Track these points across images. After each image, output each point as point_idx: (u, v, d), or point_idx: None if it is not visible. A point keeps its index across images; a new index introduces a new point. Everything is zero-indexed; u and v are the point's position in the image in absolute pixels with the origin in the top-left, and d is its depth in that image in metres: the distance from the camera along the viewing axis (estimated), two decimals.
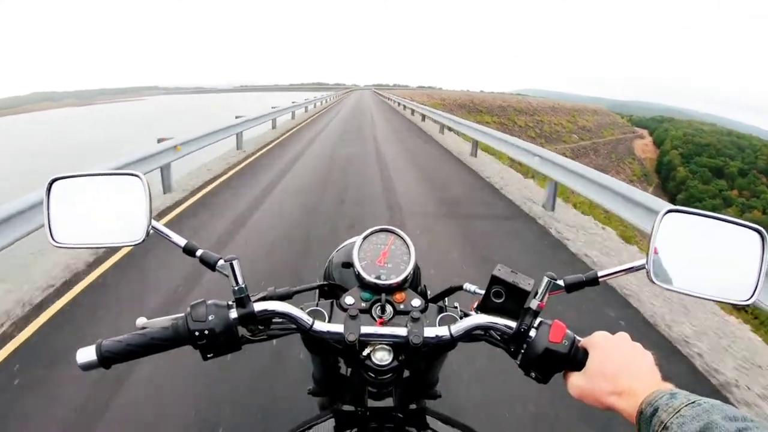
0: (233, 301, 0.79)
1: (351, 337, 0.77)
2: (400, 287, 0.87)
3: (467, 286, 0.93)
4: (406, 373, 0.91)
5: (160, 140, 7.58)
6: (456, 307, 0.90)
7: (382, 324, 0.81)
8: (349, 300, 0.86)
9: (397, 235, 0.95)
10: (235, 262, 0.80)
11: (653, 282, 0.76)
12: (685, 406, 0.55)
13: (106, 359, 0.74)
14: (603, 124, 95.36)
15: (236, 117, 11.46)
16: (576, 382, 0.70)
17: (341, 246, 1.10)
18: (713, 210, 0.92)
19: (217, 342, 0.76)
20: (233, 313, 0.78)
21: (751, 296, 0.74)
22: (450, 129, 15.74)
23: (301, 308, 0.83)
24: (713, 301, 0.80)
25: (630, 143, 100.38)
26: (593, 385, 0.67)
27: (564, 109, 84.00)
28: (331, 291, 0.97)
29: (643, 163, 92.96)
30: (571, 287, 0.80)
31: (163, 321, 0.79)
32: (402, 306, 0.85)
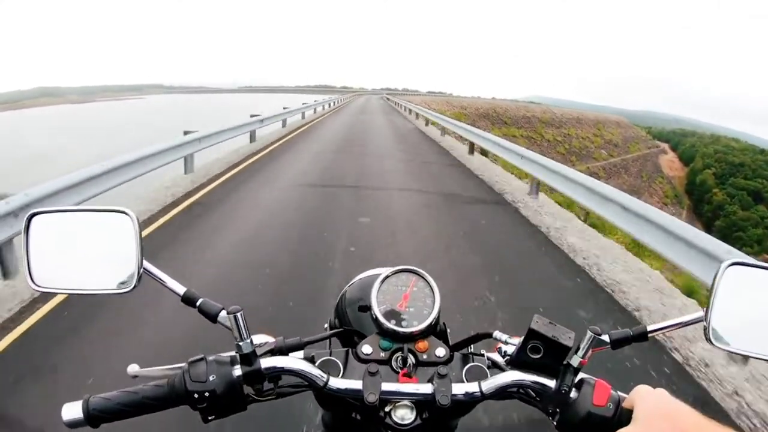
0: (237, 355, 0.72)
1: (371, 398, 0.69)
2: (423, 335, 0.80)
3: (497, 334, 0.84)
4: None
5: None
6: (482, 355, 0.81)
7: (405, 376, 0.74)
8: (366, 349, 0.79)
9: (420, 276, 0.86)
10: (239, 314, 0.72)
11: (711, 341, 0.70)
12: None
13: (93, 418, 0.68)
14: (627, 137, 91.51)
15: (184, 133, 9.01)
16: None
17: (354, 280, 1.02)
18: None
19: (220, 403, 0.70)
20: (237, 371, 0.71)
21: None
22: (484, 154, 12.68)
23: (312, 358, 0.77)
24: None
25: (656, 159, 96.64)
26: None
27: (588, 120, 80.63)
28: (346, 335, 0.90)
29: (671, 182, 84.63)
30: (616, 343, 0.73)
31: (157, 372, 0.75)
32: (425, 356, 0.78)
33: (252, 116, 13.12)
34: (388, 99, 62.46)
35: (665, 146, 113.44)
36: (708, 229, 56.34)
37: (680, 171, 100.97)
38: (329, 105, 33.08)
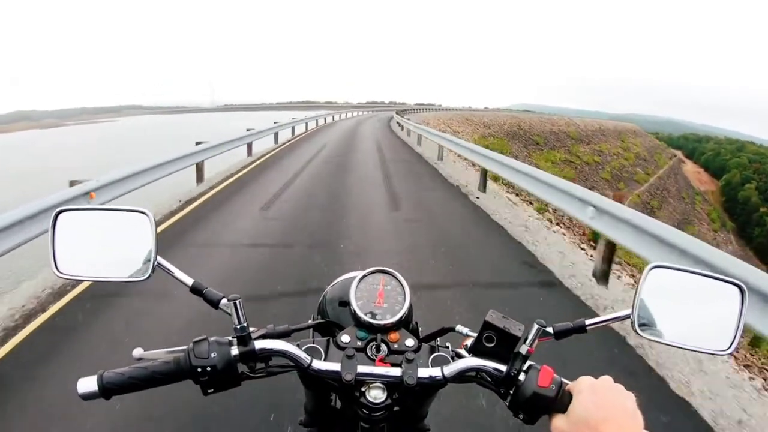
0: (234, 338, 0.82)
1: (348, 377, 0.80)
2: (394, 327, 0.89)
3: (459, 328, 0.96)
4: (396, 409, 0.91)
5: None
6: (447, 347, 0.91)
7: (380, 362, 0.84)
8: (345, 338, 0.87)
9: (393, 276, 0.97)
10: (238, 302, 0.83)
11: (637, 333, 0.80)
12: None
13: (107, 390, 0.77)
14: (650, 148, 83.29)
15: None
16: (559, 425, 0.73)
17: (335, 282, 1.13)
18: None
19: (218, 378, 0.79)
20: (234, 351, 0.81)
21: (730, 346, 0.80)
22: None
23: (298, 345, 0.85)
24: (694, 351, 0.83)
25: (681, 171, 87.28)
26: (576, 431, 0.69)
27: (610, 132, 73.10)
28: (326, 328, 1.00)
29: (706, 198, 71.90)
30: (559, 334, 0.84)
31: (160, 354, 0.83)
32: (396, 345, 0.87)
33: (197, 143, 9.71)
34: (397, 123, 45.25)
35: (679, 154, 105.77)
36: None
37: (710, 184, 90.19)
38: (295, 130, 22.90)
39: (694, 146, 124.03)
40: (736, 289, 0.81)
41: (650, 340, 0.81)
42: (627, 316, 0.82)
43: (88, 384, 0.76)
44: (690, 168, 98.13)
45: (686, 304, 0.84)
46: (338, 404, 1.09)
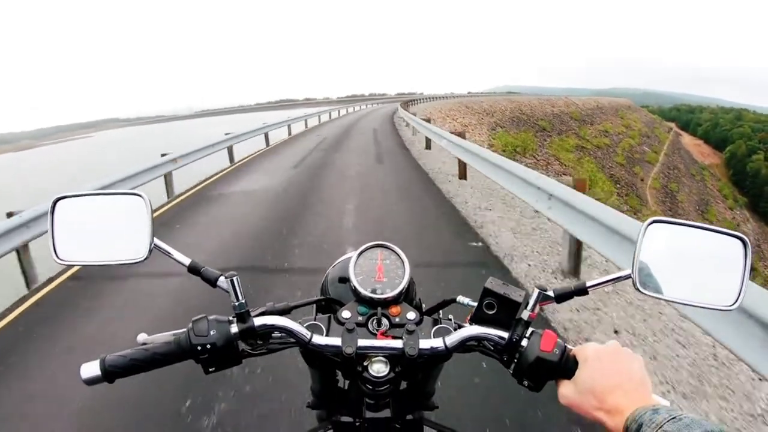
0: (234, 316, 0.82)
1: (348, 350, 0.79)
2: (395, 301, 0.89)
3: (460, 298, 0.93)
4: (404, 385, 0.94)
5: None
6: (450, 319, 0.91)
7: (380, 336, 0.84)
8: (345, 314, 0.87)
9: (392, 250, 0.96)
10: (235, 279, 0.83)
11: (639, 290, 0.79)
12: (667, 421, 0.58)
13: (109, 374, 0.77)
14: (648, 123, 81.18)
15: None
16: (566, 392, 0.73)
17: (337, 262, 1.10)
18: None
19: (219, 356, 0.79)
20: (234, 328, 0.81)
21: (735, 302, 0.77)
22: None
23: (299, 322, 0.85)
24: (699, 307, 0.81)
25: (683, 146, 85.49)
26: (582, 399, 0.69)
27: (607, 109, 71.12)
28: (328, 306, 0.99)
29: (712, 173, 68.86)
30: (560, 297, 0.83)
31: (162, 336, 0.84)
32: (397, 319, 0.86)
33: (162, 155, 9.48)
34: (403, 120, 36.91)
35: (674, 127, 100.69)
36: None
37: (713, 157, 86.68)
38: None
39: (688, 117, 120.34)
40: (739, 242, 0.78)
41: (653, 297, 0.79)
42: (628, 276, 0.80)
43: (91, 369, 0.76)
44: (688, 141, 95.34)
45: (687, 259, 0.81)
46: (344, 384, 1.07)
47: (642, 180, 45.10)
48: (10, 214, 5.18)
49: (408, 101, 35.12)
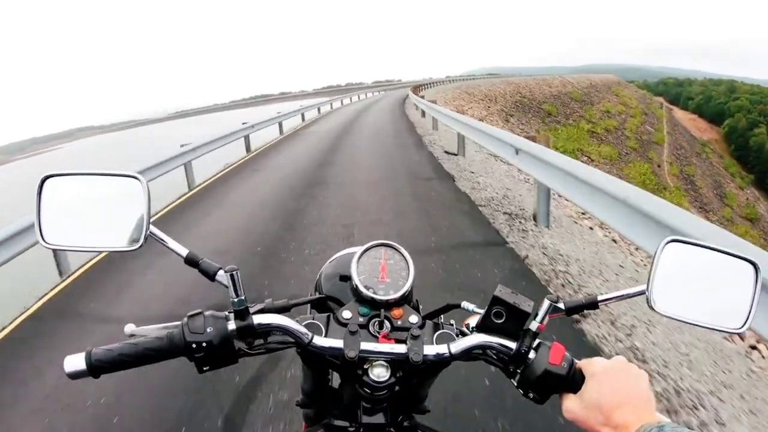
0: (231, 312, 0.79)
1: (351, 354, 0.76)
2: (397, 303, 0.86)
3: (465, 304, 0.92)
4: (398, 388, 0.90)
5: None
6: (452, 325, 0.89)
7: (383, 340, 0.81)
8: (346, 314, 0.84)
9: (396, 250, 0.93)
10: (235, 273, 0.79)
11: (652, 308, 0.79)
12: None
13: (95, 368, 0.73)
14: (640, 99, 78.09)
15: None
16: (571, 406, 0.73)
17: (332, 258, 1.09)
18: None
19: (214, 355, 0.76)
20: (231, 325, 0.77)
21: (743, 324, 0.79)
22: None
23: (297, 321, 0.82)
24: (708, 328, 0.82)
25: (679, 122, 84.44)
26: (588, 414, 0.69)
27: (600, 86, 68.56)
28: (323, 304, 0.98)
29: (713, 149, 66.18)
30: (570, 310, 0.82)
31: (153, 330, 0.81)
32: (399, 322, 0.84)
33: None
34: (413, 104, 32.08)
35: (662, 101, 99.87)
36: None
37: (710, 132, 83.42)
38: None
39: (677, 91, 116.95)
40: (750, 267, 0.80)
41: (665, 316, 0.79)
42: (642, 292, 0.79)
43: (75, 362, 0.72)
44: (682, 115, 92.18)
45: (700, 280, 0.82)
46: (336, 384, 1.05)
47: (659, 166, 41.14)
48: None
49: (420, 86, 33.23)
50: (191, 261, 0.83)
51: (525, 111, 33.32)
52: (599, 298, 0.81)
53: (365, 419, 0.85)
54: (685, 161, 48.71)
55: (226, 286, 0.78)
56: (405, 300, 0.87)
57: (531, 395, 0.77)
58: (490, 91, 37.34)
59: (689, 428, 0.59)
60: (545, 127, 31.03)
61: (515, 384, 0.79)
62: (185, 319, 0.75)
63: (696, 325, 0.79)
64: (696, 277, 0.82)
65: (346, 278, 0.91)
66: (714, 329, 0.81)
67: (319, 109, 24.30)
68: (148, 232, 0.81)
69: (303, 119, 20.64)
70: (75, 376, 0.72)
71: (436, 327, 0.86)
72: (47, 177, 0.84)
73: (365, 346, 0.78)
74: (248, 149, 13.65)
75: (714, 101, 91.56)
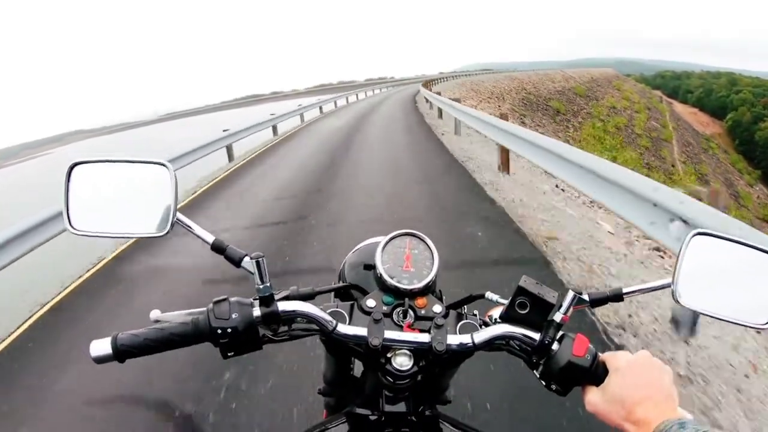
0: (256, 299, 0.79)
1: (375, 342, 0.77)
2: (422, 292, 0.86)
3: (489, 295, 0.92)
4: (420, 378, 0.90)
5: None
6: (475, 315, 0.89)
7: (408, 328, 0.82)
8: (370, 303, 0.85)
9: (420, 239, 0.93)
10: (261, 260, 0.80)
11: (678, 302, 0.80)
12: None
13: (121, 353, 0.75)
14: (640, 93, 76.49)
15: None
16: (593, 399, 0.73)
17: (356, 248, 1.10)
18: None
19: (239, 341, 0.77)
20: (257, 311, 0.78)
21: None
22: None
23: (322, 308, 0.83)
24: (731, 323, 0.81)
25: (682, 117, 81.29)
26: (610, 408, 0.70)
27: (602, 81, 67.04)
28: (347, 293, 0.99)
29: (718, 144, 65.82)
30: (595, 302, 0.82)
31: (178, 315, 0.82)
32: (423, 311, 0.84)
33: None
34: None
35: (660, 94, 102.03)
36: None
37: (713, 126, 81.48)
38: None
39: (675, 84, 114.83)
40: None
41: (691, 309, 0.80)
42: (668, 285, 0.79)
43: (101, 346, 0.74)
44: (682, 109, 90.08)
45: (726, 273, 0.82)
46: (358, 373, 1.07)
47: (673, 166, 38.93)
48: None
49: (431, 81, 32.59)
50: (217, 248, 0.83)
51: (534, 109, 31.82)
52: (624, 290, 0.81)
53: (387, 408, 0.85)
54: (695, 159, 46.94)
55: (252, 273, 0.79)
56: (429, 290, 0.87)
57: (553, 387, 0.77)
58: (495, 88, 35.64)
59: (713, 427, 0.57)
60: (558, 127, 29.01)
61: (537, 375, 0.79)
62: (211, 305, 0.76)
63: (721, 319, 0.79)
64: (722, 271, 0.81)
65: (370, 267, 0.91)
66: (738, 323, 0.80)
67: (302, 117, 19.63)
68: (175, 218, 0.82)
69: (275, 133, 16.37)
70: (101, 360, 0.74)
71: (460, 317, 0.87)
72: (75, 164, 0.85)
73: (389, 334, 0.78)
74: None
75: (715, 94, 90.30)
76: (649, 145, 41.74)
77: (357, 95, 37.72)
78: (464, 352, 0.80)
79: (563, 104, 39.12)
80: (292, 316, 0.80)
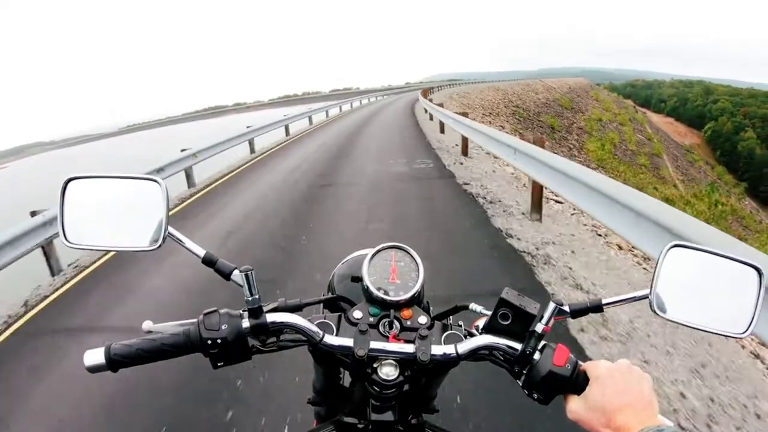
0: (245, 311, 0.83)
1: (360, 352, 0.80)
2: (407, 304, 0.89)
3: (473, 306, 0.97)
4: (407, 387, 0.93)
5: None
6: (460, 326, 0.91)
7: (392, 340, 0.85)
8: (357, 314, 0.88)
9: (406, 252, 0.96)
10: (250, 273, 0.83)
11: (655, 312, 0.82)
12: None
13: (114, 363, 0.78)
14: (618, 104, 75.25)
15: None
16: (575, 407, 0.75)
17: (345, 260, 1.15)
18: None
19: (229, 351, 0.80)
20: (245, 323, 0.81)
21: (747, 329, 0.81)
22: None
23: (309, 320, 0.87)
24: (711, 333, 0.83)
25: (661, 128, 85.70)
26: (591, 416, 0.71)
27: (578, 91, 65.43)
28: (335, 304, 1.03)
29: (700, 155, 62.54)
30: (575, 313, 0.85)
31: (170, 327, 0.86)
32: (409, 322, 0.87)
33: None
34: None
35: (632, 104, 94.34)
36: None
37: (691, 136, 79.66)
38: None
39: (647, 93, 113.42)
40: (754, 272, 0.81)
41: (667, 320, 0.81)
42: (645, 296, 0.82)
43: (94, 356, 0.77)
44: (657, 119, 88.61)
45: (703, 284, 0.84)
46: (347, 383, 1.11)
47: (675, 186, 35.34)
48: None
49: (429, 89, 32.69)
50: (208, 261, 0.86)
51: (525, 124, 29.57)
52: (603, 302, 0.83)
53: (374, 417, 0.87)
54: (689, 175, 44.11)
55: (241, 286, 0.82)
56: (415, 301, 0.90)
57: (535, 396, 0.79)
58: (480, 101, 32.41)
59: None
60: (557, 145, 25.71)
61: (520, 384, 0.81)
62: (201, 316, 0.79)
63: (699, 329, 0.81)
64: (699, 282, 0.83)
65: (357, 279, 0.93)
66: (717, 333, 0.82)
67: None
68: (167, 232, 0.85)
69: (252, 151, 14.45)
70: (94, 369, 0.76)
71: (445, 328, 0.89)
72: (70, 179, 0.88)
73: (375, 345, 0.81)
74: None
75: (691, 103, 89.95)
76: (647, 164, 39.55)
77: (327, 112, 26.30)
78: (448, 362, 0.82)
79: (555, 119, 36.73)
80: (280, 327, 0.83)
